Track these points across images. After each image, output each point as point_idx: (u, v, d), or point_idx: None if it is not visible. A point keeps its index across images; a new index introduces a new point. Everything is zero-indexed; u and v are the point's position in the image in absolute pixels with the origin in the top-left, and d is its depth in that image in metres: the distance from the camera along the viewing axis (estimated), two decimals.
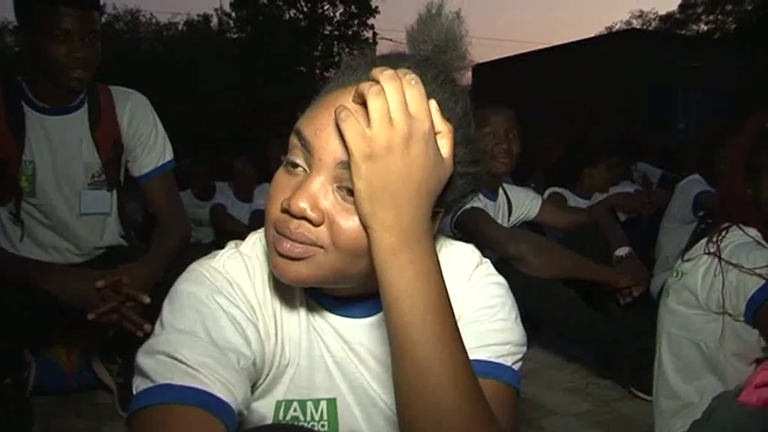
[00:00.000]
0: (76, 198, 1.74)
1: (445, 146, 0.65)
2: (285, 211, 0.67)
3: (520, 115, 2.21)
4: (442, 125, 0.65)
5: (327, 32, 17.50)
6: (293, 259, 0.67)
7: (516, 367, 0.78)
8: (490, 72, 13.87)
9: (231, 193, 4.23)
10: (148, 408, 0.64)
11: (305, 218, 0.66)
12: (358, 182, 0.61)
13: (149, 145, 1.82)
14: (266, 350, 0.75)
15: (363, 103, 0.61)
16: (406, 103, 0.60)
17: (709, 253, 1.30)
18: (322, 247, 0.67)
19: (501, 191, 2.32)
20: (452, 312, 0.65)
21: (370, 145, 0.60)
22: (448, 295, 0.65)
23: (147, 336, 0.84)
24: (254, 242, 0.82)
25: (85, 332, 1.90)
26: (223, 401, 0.64)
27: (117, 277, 1.49)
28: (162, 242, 1.70)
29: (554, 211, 2.44)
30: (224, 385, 0.65)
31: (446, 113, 0.67)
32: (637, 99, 10.60)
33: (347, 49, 16.70)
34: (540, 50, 13.70)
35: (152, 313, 1.41)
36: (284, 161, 0.70)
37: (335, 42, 17.76)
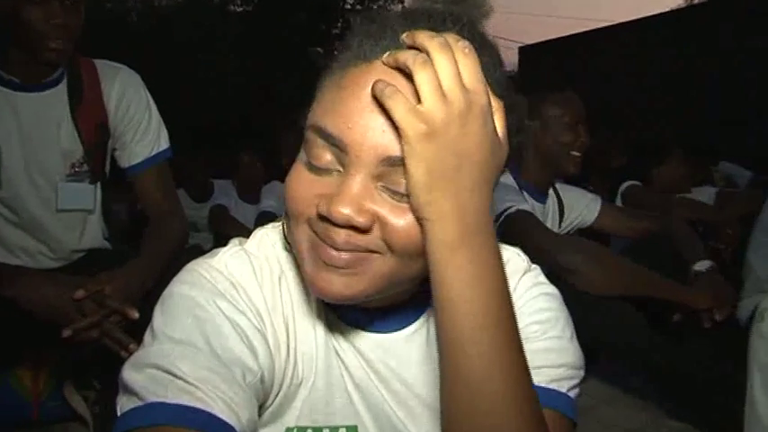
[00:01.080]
0: (52, 191, 1.73)
1: (499, 124, 0.65)
2: (323, 218, 0.66)
3: None
4: (494, 101, 0.65)
5: (349, 6, 17.53)
6: (340, 269, 0.67)
7: (572, 394, 0.78)
8: (537, 54, 13.81)
9: (234, 193, 4.25)
10: (137, 429, 0.63)
11: (351, 225, 0.65)
12: (414, 165, 0.61)
13: (141, 130, 1.82)
14: (276, 365, 0.75)
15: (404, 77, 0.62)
16: (459, 75, 0.61)
17: None
18: (377, 252, 0.67)
19: (551, 192, 2.28)
20: (515, 322, 0.65)
21: (426, 122, 0.60)
22: (512, 302, 0.65)
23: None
24: (261, 239, 0.82)
25: (57, 351, 1.90)
26: (226, 423, 0.63)
27: (100, 286, 1.47)
28: (154, 245, 1.69)
29: (617, 215, 2.40)
30: (227, 404, 0.64)
31: (490, 82, 0.67)
32: (715, 89, 10.42)
33: None
34: (598, 29, 13.59)
35: (140, 329, 1.40)
36: (303, 161, 0.69)
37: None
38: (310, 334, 0.79)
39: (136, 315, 1.45)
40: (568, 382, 0.78)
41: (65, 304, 1.46)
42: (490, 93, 0.64)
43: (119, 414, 0.66)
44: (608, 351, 1.99)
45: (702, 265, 2.08)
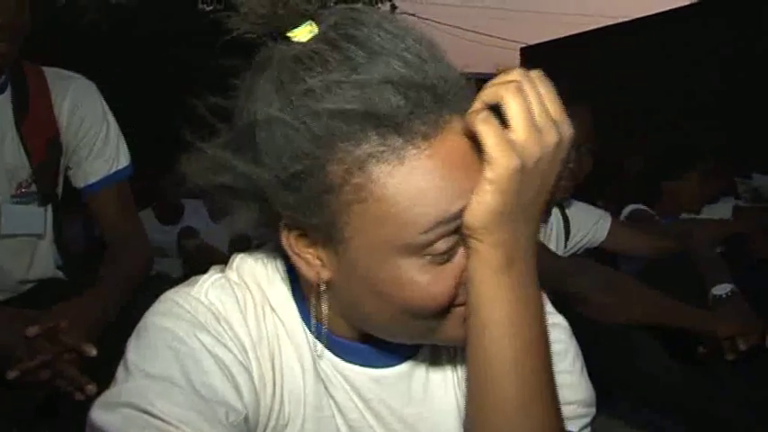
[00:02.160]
0: None
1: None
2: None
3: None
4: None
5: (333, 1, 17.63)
6: None
7: None
8: (543, 56, 13.90)
9: (206, 214, 4.24)
10: None
11: None
12: (492, 194, 0.63)
13: (97, 146, 1.81)
14: (261, 404, 0.75)
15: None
16: (548, 109, 0.64)
17: None
18: None
19: (555, 209, 2.29)
20: (550, 351, 0.69)
21: (521, 155, 0.62)
22: (548, 330, 0.69)
23: (90, 399, 0.82)
24: (241, 266, 0.82)
25: (2, 395, 1.86)
26: None
27: (54, 321, 1.44)
28: (113, 273, 1.67)
29: (629, 233, 2.40)
30: None
31: None
32: (746, 92, 10.38)
33: None
34: (607, 27, 13.70)
35: (98, 368, 1.39)
36: (426, 262, 0.68)
37: None
38: (298, 370, 0.79)
39: (93, 352, 1.42)
40: (579, 420, 0.81)
41: (13, 341, 1.42)
42: None
43: None
44: (625, 386, 1.97)
45: (722, 289, 2.07)
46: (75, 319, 1.46)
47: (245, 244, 0.84)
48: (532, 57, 14.20)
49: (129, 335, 0.76)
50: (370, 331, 0.77)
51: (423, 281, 0.68)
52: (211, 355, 0.70)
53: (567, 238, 2.32)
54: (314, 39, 0.68)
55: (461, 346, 0.73)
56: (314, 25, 0.69)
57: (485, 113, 0.63)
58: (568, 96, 2.12)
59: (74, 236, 2.94)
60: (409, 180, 0.65)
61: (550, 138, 0.64)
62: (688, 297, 2.04)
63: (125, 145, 1.86)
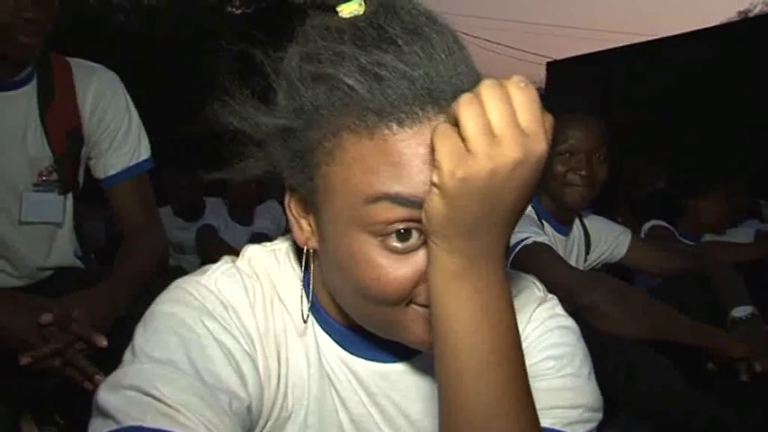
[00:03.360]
0: (16, 201, 1.72)
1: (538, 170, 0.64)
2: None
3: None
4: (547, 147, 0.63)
5: None
6: None
7: None
8: (566, 70, 13.86)
9: (225, 213, 4.26)
10: None
11: None
12: (437, 200, 0.60)
13: (119, 138, 1.82)
14: (265, 394, 0.76)
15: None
16: (515, 119, 0.58)
17: None
18: None
19: (577, 223, 2.27)
20: (523, 359, 0.66)
21: (466, 166, 0.58)
22: (519, 337, 0.66)
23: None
24: (253, 257, 0.83)
25: (14, 381, 1.88)
26: None
27: (67, 310, 1.45)
28: (128, 266, 1.68)
29: (649, 251, 2.37)
30: (210, 431, 0.64)
31: None
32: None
33: None
34: (637, 44, 13.65)
35: (108, 359, 1.39)
36: (380, 244, 0.68)
37: None
38: (303, 363, 0.79)
39: (104, 343, 1.43)
40: (584, 425, 0.79)
41: (27, 328, 1.43)
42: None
43: None
44: (632, 402, 1.95)
45: (743, 311, 2.05)
46: (87, 310, 1.48)
47: (263, 241, 0.85)
48: (558, 71, 14.18)
49: None
50: (352, 316, 0.77)
51: (378, 264, 0.68)
52: (217, 343, 0.71)
53: (587, 252, 2.30)
54: (354, 17, 0.71)
55: (429, 351, 0.71)
56: (362, 5, 0.72)
57: (444, 126, 0.60)
58: (576, 107, 2.09)
59: (95, 228, 2.98)
60: (371, 153, 0.67)
61: (510, 151, 0.57)
62: (705, 317, 2.02)
63: (146, 138, 1.87)
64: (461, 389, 0.63)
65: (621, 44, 13.53)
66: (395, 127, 0.66)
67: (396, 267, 0.68)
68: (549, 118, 0.61)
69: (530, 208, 2.13)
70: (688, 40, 12.09)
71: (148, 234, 1.80)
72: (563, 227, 2.21)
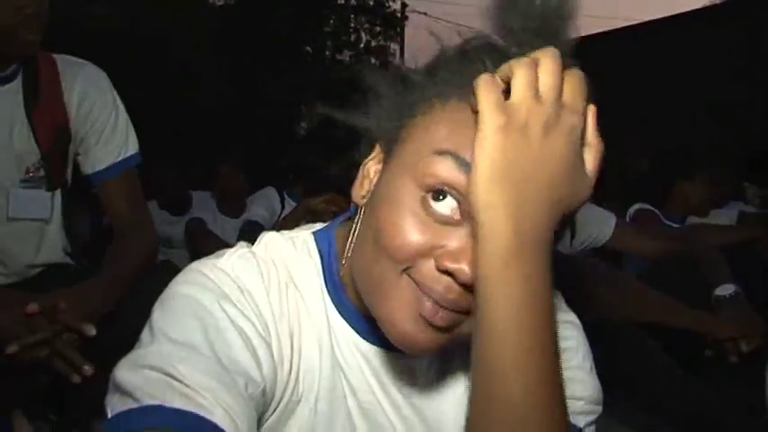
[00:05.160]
0: (3, 198, 1.72)
1: (591, 161, 0.67)
2: (443, 271, 0.68)
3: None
4: (594, 137, 0.67)
5: (342, 1, 17.42)
6: (439, 327, 0.70)
7: (589, 430, 0.81)
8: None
9: (213, 206, 4.25)
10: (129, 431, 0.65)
11: (467, 285, 0.67)
12: (481, 158, 0.62)
13: (106, 134, 1.82)
14: (278, 379, 0.76)
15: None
16: (560, 88, 0.64)
17: None
18: (468, 313, 0.68)
19: None
20: (558, 350, 0.66)
21: (507, 115, 0.62)
22: (556, 329, 0.66)
23: (87, 380, 0.83)
24: (270, 243, 0.84)
25: (4, 378, 1.86)
26: None
27: (54, 301, 1.45)
28: (118, 260, 1.69)
29: (634, 234, 2.40)
30: (226, 412, 0.65)
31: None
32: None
33: (367, 25, 16.69)
34: (617, 30, 13.67)
35: (96, 351, 1.40)
36: (418, 202, 0.69)
37: (352, 16, 17.73)
38: (315, 349, 0.80)
39: (93, 332, 1.43)
40: (585, 417, 0.81)
41: (11, 322, 1.43)
42: (594, 129, 0.67)
43: (109, 415, 0.68)
44: (625, 387, 1.97)
45: (726, 290, 2.08)
46: (76, 301, 1.48)
47: (254, 235, 0.86)
48: None
49: (133, 322, 0.78)
50: (355, 279, 0.78)
51: (407, 213, 0.69)
52: (235, 327, 0.72)
53: (572, 237, 2.32)
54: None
55: (403, 345, 0.72)
56: None
57: (488, 76, 0.65)
58: None
59: (79, 222, 2.94)
60: (462, 116, 0.69)
61: (546, 110, 0.62)
62: (691, 298, 2.04)
63: (134, 133, 1.87)
64: (501, 381, 0.62)
65: (602, 29, 13.53)
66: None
67: (419, 224, 0.68)
68: (593, 108, 0.67)
69: None
70: (669, 25, 12.12)
71: (138, 229, 1.80)
72: None
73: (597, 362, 1.77)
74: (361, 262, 0.75)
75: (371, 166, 0.79)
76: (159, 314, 0.73)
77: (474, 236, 0.64)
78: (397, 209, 0.70)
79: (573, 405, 0.77)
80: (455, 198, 0.68)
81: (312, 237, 0.86)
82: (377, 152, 0.79)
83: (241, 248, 0.82)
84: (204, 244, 3.86)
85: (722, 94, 10.33)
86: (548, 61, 0.63)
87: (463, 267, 0.66)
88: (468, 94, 0.67)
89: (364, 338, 0.81)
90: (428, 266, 0.69)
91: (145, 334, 0.73)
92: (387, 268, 0.70)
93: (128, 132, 1.85)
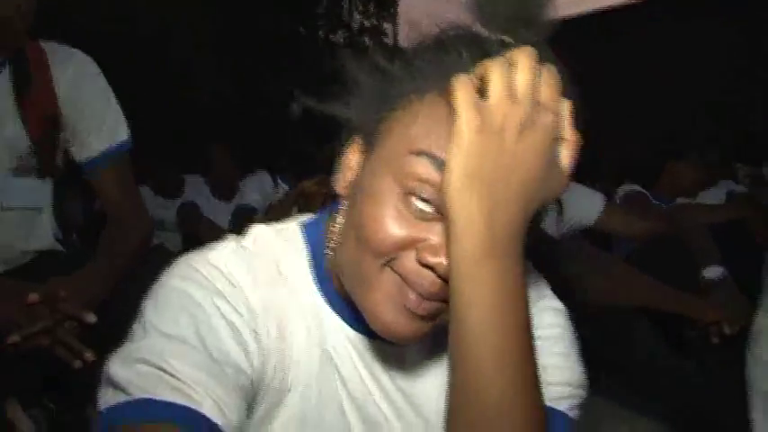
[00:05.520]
0: None
1: (566, 156, 0.69)
2: (424, 264, 0.70)
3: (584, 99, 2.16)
4: (569, 132, 0.68)
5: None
6: (421, 317, 0.72)
7: (572, 414, 0.83)
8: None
9: (207, 190, 4.26)
10: (122, 425, 0.67)
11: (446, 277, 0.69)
12: (455, 158, 0.64)
13: (97, 121, 1.81)
14: (267, 369, 0.78)
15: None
16: (536, 88, 0.65)
17: None
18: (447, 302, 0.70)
19: None
20: (533, 344, 0.68)
21: (483, 116, 0.63)
22: (531, 323, 0.68)
23: (88, 366, 0.83)
24: (259, 235, 0.85)
25: (6, 367, 1.87)
26: (215, 424, 0.67)
27: (55, 289, 1.46)
28: (113, 247, 1.70)
29: (622, 214, 2.39)
30: (217, 404, 0.68)
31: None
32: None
33: (361, 7, 16.50)
34: (604, 12, 13.58)
35: (95, 338, 1.41)
36: (401, 199, 0.71)
37: None
38: (304, 340, 0.81)
39: (92, 319, 1.44)
40: (569, 401, 0.82)
41: (12, 312, 1.45)
42: (569, 124, 0.68)
43: (102, 409, 0.69)
44: (613, 369, 2.00)
45: (713, 272, 2.09)
46: (74, 289, 1.49)
47: (247, 218, 0.86)
48: None
49: (129, 308, 0.79)
50: (339, 274, 0.80)
51: (387, 208, 0.70)
52: (225, 321, 0.73)
53: (560, 218, 2.32)
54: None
55: (386, 334, 0.74)
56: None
57: (464, 78, 0.66)
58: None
59: (72, 209, 2.95)
60: (439, 115, 0.70)
61: (522, 112, 0.64)
62: (680, 279, 2.05)
63: (124, 120, 1.86)
64: (479, 378, 0.65)
65: (591, 9, 13.41)
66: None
67: (399, 220, 0.70)
68: (568, 104, 0.68)
69: None
70: (655, 7, 12.02)
71: (132, 216, 1.81)
72: None
73: (584, 345, 1.80)
74: (346, 255, 0.76)
75: (353, 157, 0.80)
76: (151, 308, 0.75)
77: (448, 233, 0.66)
78: (379, 204, 0.71)
79: (556, 390, 0.80)
80: (433, 195, 0.69)
81: (300, 228, 0.87)
82: (358, 143, 0.80)
83: (231, 242, 0.83)
84: (197, 228, 3.88)
85: (715, 79, 10.29)
86: (524, 61, 0.65)
87: (443, 261, 0.68)
88: (444, 89, 0.69)
89: (353, 328, 0.83)
90: (410, 259, 0.70)
91: (137, 328, 0.74)
92: (370, 262, 0.72)
93: (118, 119, 1.85)
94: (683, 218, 2.42)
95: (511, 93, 0.64)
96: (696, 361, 2.04)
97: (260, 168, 4.20)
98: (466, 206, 0.64)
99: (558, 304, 0.89)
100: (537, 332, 0.80)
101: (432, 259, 0.68)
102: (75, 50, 1.82)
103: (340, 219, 0.80)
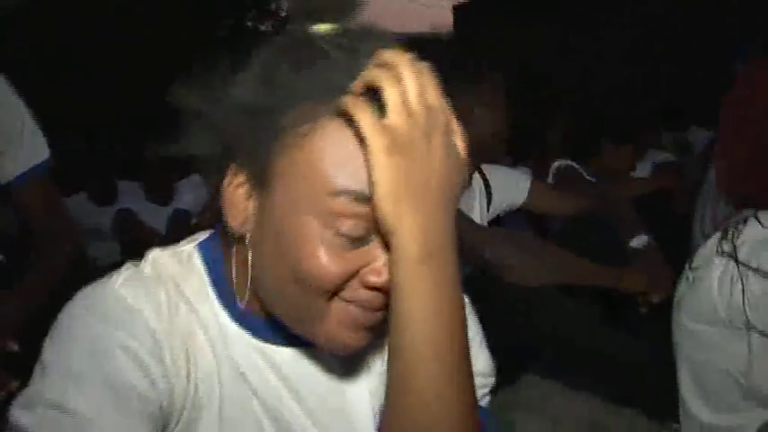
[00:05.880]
0: None
1: (461, 146, 0.72)
2: (369, 287, 0.73)
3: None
4: (455, 124, 0.72)
5: None
6: (370, 327, 0.76)
7: (483, 402, 0.86)
8: (475, 14, 13.80)
9: (141, 195, 4.19)
10: None
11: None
12: (379, 175, 0.66)
13: (14, 142, 1.77)
14: (176, 392, 0.78)
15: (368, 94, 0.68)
16: (424, 93, 0.68)
17: (722, 253, 1.33)
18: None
19: (475, 175, 2.31)
20: (468, 340, 0.72)
21: (392, 136, 0.66)
22: (466, 320, 0.72)
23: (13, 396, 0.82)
24: (156, 260, 0.84)
25: None
26: None
27: None
28: (40, 266, 1.68)
29: (547, 194, 2.40)
30: None
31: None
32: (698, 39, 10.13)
33: None
34: None
35: (23, 365, 1.38)
36: (329, 239, 0.71)
37: None
38: (210, 358, 0.81)
39: (15, 347, 1.43)
40: (480, 390, 0.84)
41: None
42: (452, 117, 0.73)
43: None
44: (550, 348, 2.01)
45: (638, 242, 2.11)
46: None
47: (183, 222, 0.85)
48: (465, 16, 14.14)
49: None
50: (269, 306, 0.80)
51: (322, 251, 0.71)
52: (124, 350, 0.73)
53: (489, 203, 2.34)
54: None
55: (339, 352, 0.77)
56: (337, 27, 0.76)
57: (353, 99, 0.68)
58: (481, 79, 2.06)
59: (6, 223, 2.87)
60: (345, 145, 0.70)
61: (421, 120, 0.67)
62: (608, 253, 2.09)
63: (42, 137, 1.84)
64: (415, 367, 0.69)
65: None
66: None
67: (337, 257, 0.71)
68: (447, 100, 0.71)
69: None
70: None
71: (58, 234, 1.79)
72: None
73: (520, 327, 1.83)
74: (281, 295, 0.77)
75: (237, 193, 0.78)
76: (49, 347, 0.74)
77: (386, 248, 0.70)
78: (309, 245, 0.71)
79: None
80: (363, 225, 0.71)
81: (197, 248, 0.87)
82: (238, 176, 0.77)
83: (127, 270, 0.82)
84: (134, 234, 3.82)
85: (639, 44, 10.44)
86: (407, 70, 0.68)
87: (382, 282, 0.71)
88: (335, 112, 0.70)
89: (261, 338, 0.83)
90: (355, 287, 0.73)
91: (36, 369, 0.74)
92: (315, 299, 0.73)
93: (35, 138, 1.82)
94: (609, 192, 2.46)
95: (406, 105, 0.67)
96: (629, 333, 2.09)
97: (194, 172, 4.14)
98: (399, 223, 0.67)
99: None
100: None
101: (377, 280, 0.71)
102: None
103: (249, 254, 0.79)
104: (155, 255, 0.85)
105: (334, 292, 0.73)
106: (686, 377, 1.44)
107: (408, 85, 0.67)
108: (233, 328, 0.83)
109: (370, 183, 0.67)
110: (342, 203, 0.70)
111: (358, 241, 0.72)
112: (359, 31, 0.75)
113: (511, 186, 2.37)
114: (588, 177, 3.13)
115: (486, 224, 2.35)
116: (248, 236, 0.77)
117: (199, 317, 0.82)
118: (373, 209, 0.68)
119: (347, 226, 0.70)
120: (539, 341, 1.99)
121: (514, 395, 2.17)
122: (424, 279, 0.68)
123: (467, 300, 0.91)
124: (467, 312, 0.88)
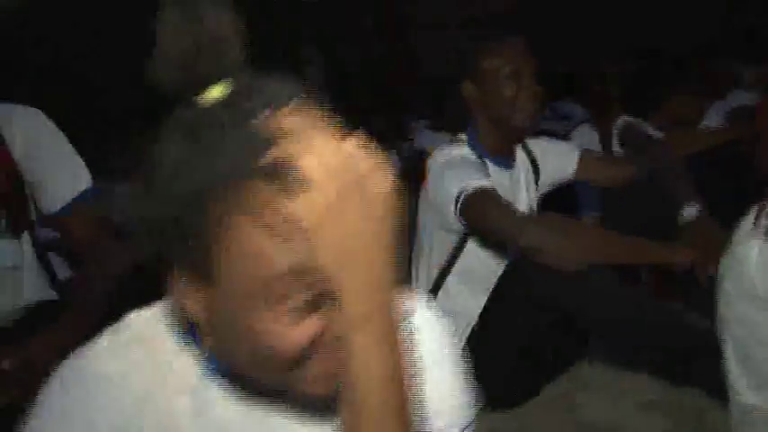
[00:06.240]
0: None
1: (387, 179, 0.69)
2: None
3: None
4: (377, 157, 0.69)
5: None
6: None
7: None
8: None
9: None
10: None
11: None
12: (317, 247, 0.66)
13: (56, 172, 1.84)
14: None
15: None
16: (340, 151, 0.67)
17: (762, 229, 1.31)
18: None
19: (519, 151, 2.28)
20: (413, 399, 0.71)
21: (319, 208, 0.65)
22: (409, 375, 0.71)
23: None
24: (134, 323, 0.85)
25: None
26: None
27: (27, 352, 1.51)
28: (82, 302, 1.71)
29: (596, 164, 2.34)
30: None
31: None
32: None
33: None
34: None
35: None
36: (282, 310, 0.70)
37: None
38: (190, 416, 0.82)
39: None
40: (458, 428, 0.87)
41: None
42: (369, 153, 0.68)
43: None
44: (600, 330, 2.01)
45: (689, 212, 2.05)
46: (52, 347, 1.51)
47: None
48: None
49: None
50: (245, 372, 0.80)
51: (279, 331, 0.69)
52: (108, 424, 0.76)
53: (537, 178, 2.31)
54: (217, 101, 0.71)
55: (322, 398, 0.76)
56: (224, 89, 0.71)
57: (266, 177, 0.66)
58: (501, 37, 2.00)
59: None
60: (263, 224, 0.67)
61: (345, 177, 0.66)
62: (659, 226, 2.02)
63: (83, 165, 1.89)
64: (359, 425, 0.68)
65: None
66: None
67: (298, 330, 0.70)
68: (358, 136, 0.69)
69: (467, 150, 2.13)
70: None
71: (104, 262, 1.82)
72: (505, 160, 2.20)
73: (569, 310, 1.78)
74: (251, 371, 0.77)
75: (186, 289, 0.75)
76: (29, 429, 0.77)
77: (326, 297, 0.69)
78: (269, 333, 0.70)
79: (444, 418, 0.83)
80: (310, 290, 0.69)
81: (172, 308, 0.85)
82: (178, 274, 0.75)
83: (105, 338, 0.84)
84: None
85: None
86: (316, 137, 0.67)
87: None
88: (251, 195, 0.66)
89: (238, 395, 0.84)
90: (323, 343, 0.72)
91: None
92: (283, 369, 0.73)
93: (76, 166, 1.88)
94: (668, 154, 2.35)
95: (327, 173, 0.65)
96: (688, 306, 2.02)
97: None
98: (341, 286, 0.66)
99: (436, 322, 0.91)
100: (420, 360, 0.80)
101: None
102: (17, 106, 1.84)
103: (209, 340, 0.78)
104: (133, 317, 0.86)
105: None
106: (730, 354, 1.40)
107: (321, 146, 0.66)
108: (211, 380, 0.83)
109: (308, 253, 0.66)
110: (286, 281, 0.68)
111: (312, 305, 0.70)
112: (251, 88, 0.71)
113: (558, 159, 2.33)
114: (653, 132, 3.00)
115: (537, 198, 2.32)
116: (202, 324, 0.76)
117: (177, 376, 0.82)
118: (318, 278, 0.67)
119: (295, 300, 0.69)
120: (593, 325, 1.95)
121: (575, 381, 2.16)
122: (366, 342, 0.67)
123: (443, 326, 0.90)
124: (437, 344, 0.89)
